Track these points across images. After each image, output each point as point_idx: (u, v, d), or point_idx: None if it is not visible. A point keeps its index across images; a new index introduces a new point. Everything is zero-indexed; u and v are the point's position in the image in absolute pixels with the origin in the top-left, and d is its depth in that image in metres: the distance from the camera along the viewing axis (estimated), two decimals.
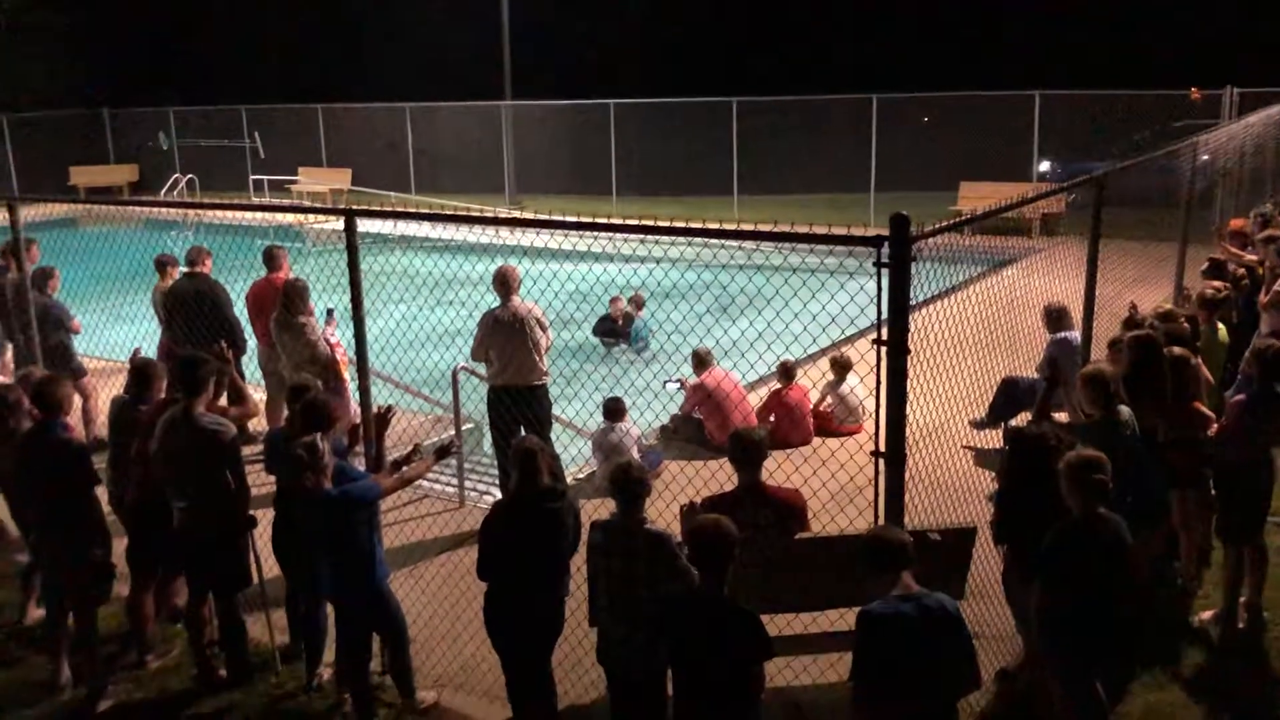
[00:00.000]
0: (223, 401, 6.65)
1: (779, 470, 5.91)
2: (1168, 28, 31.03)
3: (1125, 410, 5.88)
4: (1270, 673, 6.01)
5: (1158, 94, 20.85)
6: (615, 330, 14.58)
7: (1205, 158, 11.75)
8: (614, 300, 14.59)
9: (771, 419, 9.63)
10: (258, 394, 8.87)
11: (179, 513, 5.92)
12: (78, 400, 9.40)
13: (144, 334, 9.40)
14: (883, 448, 4.35)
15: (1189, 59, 26.00)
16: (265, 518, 6.15)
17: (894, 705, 4.07)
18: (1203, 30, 30.32)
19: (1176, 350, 6.52)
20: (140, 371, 6.45)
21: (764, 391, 10.17)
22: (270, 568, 6.28)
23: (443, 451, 5.90)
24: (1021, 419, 8.45)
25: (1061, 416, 7.31)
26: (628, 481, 4.87)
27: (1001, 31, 33.68)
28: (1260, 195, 16.13)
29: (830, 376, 10.14)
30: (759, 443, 5.44)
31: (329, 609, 5.92)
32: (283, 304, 8.77)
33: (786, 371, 9.78)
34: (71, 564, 5.95)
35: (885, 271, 4.11)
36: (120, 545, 6.29)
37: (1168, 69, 23.66)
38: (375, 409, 5.98)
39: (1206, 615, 6.46)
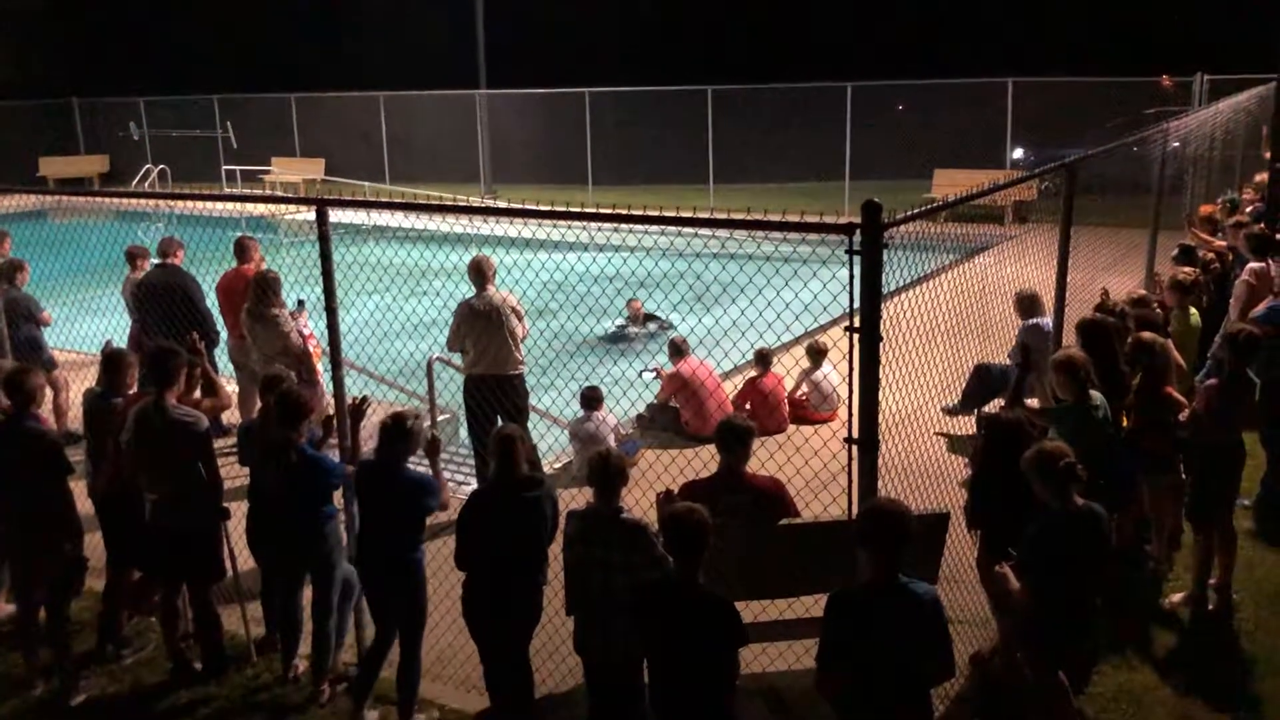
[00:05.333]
0: (196, 394, 6.61)
1: (753, 458, 5.92)
2: (1139, 14, 31.18)
3: (1097, 395, 5.93)
4: (1239, 654, 6.09)
5: (1129, 81, 20.99)
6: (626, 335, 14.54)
7: (1175, 144, 11.84)
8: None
9: (747, 406, 9.65)
10: (230, 386, 8.81)
11: (152, 505, 5.89)
12: (49, 393, 9.31)
13: (115, 326, 9.31)
14: (856, 434, 4.37)
15: (1161, 45, 26.16)
16: (239, 510, 6.13)
17: (861, 690, 4.07)
18: (1175, 16, 30.50)
19: (1148, 335, 6.58)
20: (111, 361, 6.37)
21: (739, 380, 10.19)
22: (245, 560, 6.26)
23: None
24: (994, 405, 8.50)
25: (1033, 403, 7.35)
26: (605, 470, 4.88)
27: (976, 18, 33.74)
28: (1230, 182, 16.27)
29: (805, 363, 10.17)
30: (747, 431, 5.45)
31: (303, 601, 5.90)
32: (254, 296, 8.71)
33: (762, 359, 9.81)
34: (42, 557, 5.90)
35: (857, 259, 4.13)
36: (94, 538, 6.24)
37: (1139, 56, 23.80)
38: (350, 400, 5.96)
39: (1176, 598, 6.53)
